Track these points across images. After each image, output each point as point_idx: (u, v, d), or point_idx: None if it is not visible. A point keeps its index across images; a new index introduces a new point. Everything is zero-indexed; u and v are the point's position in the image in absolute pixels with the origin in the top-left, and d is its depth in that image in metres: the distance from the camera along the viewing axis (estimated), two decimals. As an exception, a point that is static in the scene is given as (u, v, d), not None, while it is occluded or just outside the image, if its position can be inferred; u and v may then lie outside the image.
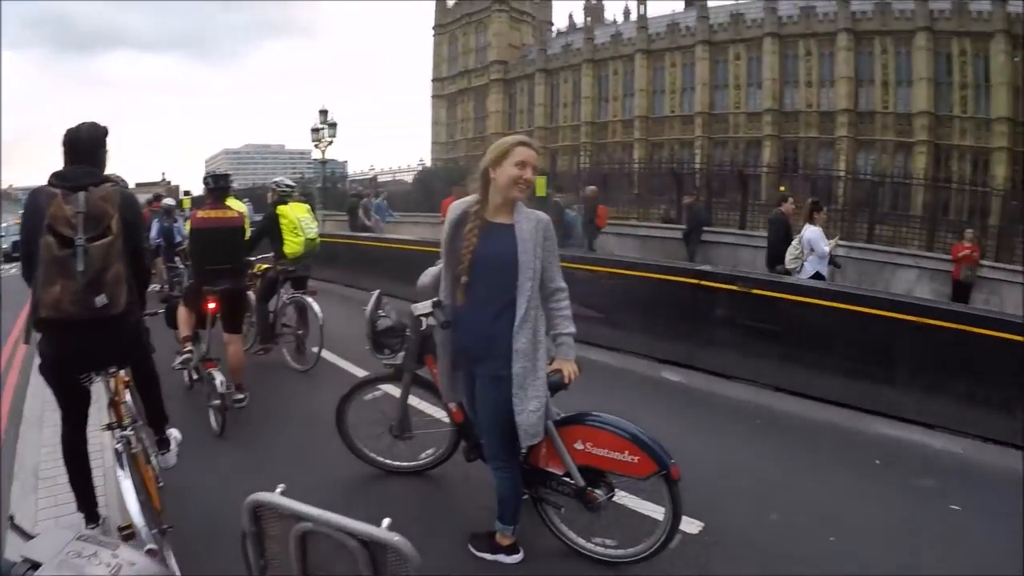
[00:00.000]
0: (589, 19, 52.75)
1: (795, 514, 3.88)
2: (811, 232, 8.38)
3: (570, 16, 56.79)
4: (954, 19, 36.44)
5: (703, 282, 6.93)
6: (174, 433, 3.75)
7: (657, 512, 3.22)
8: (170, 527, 3.19)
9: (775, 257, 9.44)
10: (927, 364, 5.63)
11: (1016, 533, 3.57)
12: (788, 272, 8.51)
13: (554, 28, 57.65)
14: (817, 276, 8.29)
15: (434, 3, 59.61)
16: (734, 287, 6.68)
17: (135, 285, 3.15)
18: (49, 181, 2.99)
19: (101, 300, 2.89)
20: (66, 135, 3.14)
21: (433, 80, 60.47)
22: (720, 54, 44.22)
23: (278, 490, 1.42)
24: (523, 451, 3.23)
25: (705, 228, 15.24)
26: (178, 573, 2.88)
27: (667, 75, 46.25)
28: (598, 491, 3.14)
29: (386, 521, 1.30)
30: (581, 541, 3.33)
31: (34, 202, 2.96)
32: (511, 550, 3.28)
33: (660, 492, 3.07)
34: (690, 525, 3.49)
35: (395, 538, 1.26)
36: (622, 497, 3.32)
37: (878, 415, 5.59)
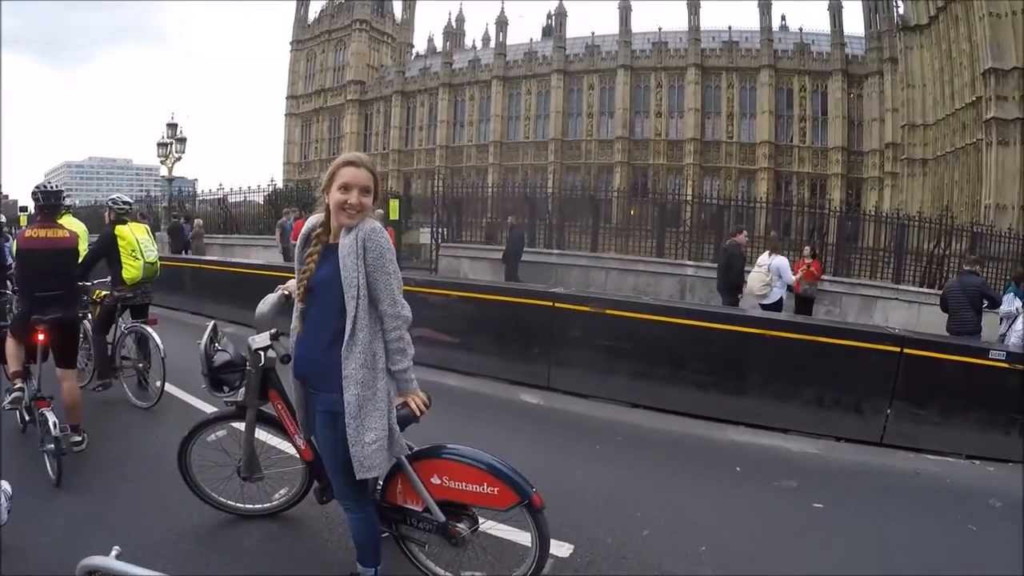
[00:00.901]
0: (448, 43, 53.30)
1: (665, 527, 4.03)
2: (780, 261, 9.90)
3: (430, 39, 57.08)
4: (796, 58, 41.57)
5: (557, 304, 7.19)
6: (3, 486, 3.40)
7: (525, 539, 3.16)
8: None
9: (732, 284, 10.58)
10: (777, 373, 6.19)
11: (877, 525, 3.97)
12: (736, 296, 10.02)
13: (414, 50, 57.79)
14: (778, 301, 9.67)
15: (293, 18, 58.26)
16: (587, 308, 7.01)
17: None
18: None
19: None
20: None
21: (288, 97, 58.83)
22: (574, 83, 46.42)
23: (113, 553, 1.36)
24: (378, 487, 3.14)
25: (527, 249, 15.81)
26: None
27: (523, 102, 47.83)
28: (460, 525, 3.02)
29: None
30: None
31: None
32: None
33: (526, 520, 3.03)
34: (560, 548, 3.53)
35: None
36: (490, 528, 3.21)
37: (733, 423, 6.04)
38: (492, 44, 50.74)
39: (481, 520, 3.13)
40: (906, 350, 5.86)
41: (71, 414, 5.06)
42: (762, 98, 41.83)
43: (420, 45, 58.42)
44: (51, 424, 4.41)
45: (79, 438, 5.05)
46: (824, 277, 14.03)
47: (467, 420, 5.46)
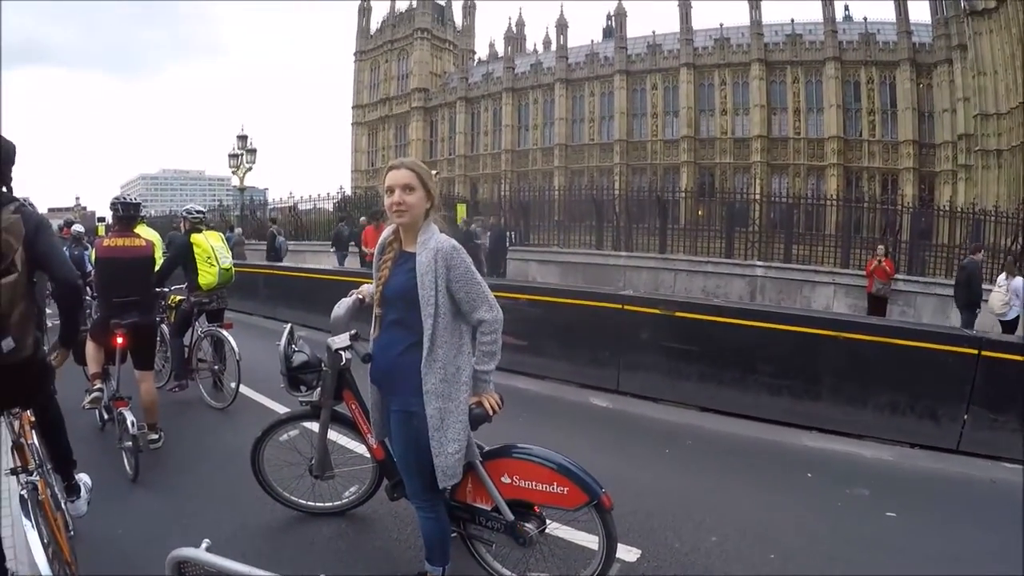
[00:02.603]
0: (510, 48, 53.56)
1: (734, 534, 3.89)
2: (1017, 282, 10.63)
3: (491, 45, 57.67)
4: (861, 49, 39.72)
5: (626, 307, 7.06)
6: (84, 479, 3.56)
7: (592, 542, 3.12)
8: None
9: (972, 301, 11.36)
10: (850, 376, 5.89)
11: (951, 535, 3.74)
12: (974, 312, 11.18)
13: (476, 57, 58.49)
14: (1015, 319, 10.51)
15: (356, 30, 59.45)
16: (656, 310, 6.83)
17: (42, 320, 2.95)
18: None
19: (7, 344, 2.69)
20: None
21: (354, 107, 60.11)
22: (638, 83, 45.88)
23: (203, 545, 1.36)
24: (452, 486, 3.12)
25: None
26: None
27: (586, 104, 47.56)
28: (528, 525, 3.00)
29: None
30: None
31: None
32: None
33: (593, 522, 2.98)
34: (627, 553, 3.46)
35: None
36: (556, 529, 3.20)
37: (805, 428, 5.81)
38: (553, 47, 50.80)
39: (549, 521, 3.10)
40: (984, 352, 5.47)
41: (148, 413, 5.29)
42: (828, 92, 40.37)
43: (482, 51, 59.29)
44: (129, 423, 4.60)
45: (155, 436, 5.27)
46: (898, 276, 13.54)
47: (536, 423, 5.40)
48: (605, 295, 7.77)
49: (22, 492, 2.90)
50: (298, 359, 3.68)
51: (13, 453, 3.07)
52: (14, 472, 3.02)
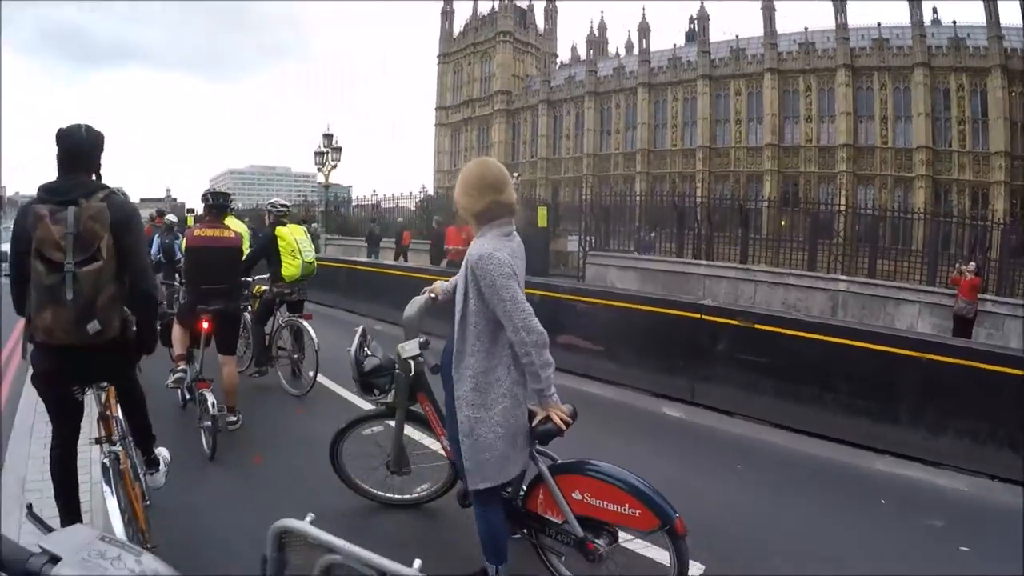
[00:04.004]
0: (592, 52, 53.24)
1: (799, 555, 3.75)
2: None
3: (573, 48, 57.33)
4: (951, 55, 36.89)
5: (704, 316, 6.86)
6: (163, 453, 3.68)
7: (664, 558, 3.00)
8: (154, 547, 3.08)
9: None
10: (930, 399, 5.56)
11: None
12: None
13: (558, 60, 58.27)
14: None
15: (439, 33, 60.25)
16: (735, 321, 6.64)
17: (130, 300, 3.06)
18: (38, 195, 2.90)
19: (93, 327, 2.82)
20: (59, 136, 2.98)
21: (437, 108, 60.85)
22: (721, 88, 44.59)
23: (308, 519, 1.38)
24: (521, 493, 3.14)
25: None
26: None
27: (669, 109, 46.62)
28: (599, 541, 2.93)
29: (417, 562, 1.26)
30: None
31: (22, 222, 2.85)
32: None
33: (664, 542, 2.90)
34: (692, 568, 3.28)
35: None
36: (628, 541, 3.09)
37: (881, 452, 5.51)
38: (635, 51, 49.97)
39: (621, 536, 3.02)
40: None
41: (228, 396, 5.50)
42: (917, 99, 37.58)
43: (563, 54, 58.96)
44: (210, 403, 4.82)
45: (234, 418, 5.48)
46: (986, 297, 12.82)
47: (607, 430, 5.28)
48: (683, 303, 7.57)
49: (104, 460, 3.05)
50: (369, 364, 3.72)
51: (98, 424, 3.22)
52: (98, 441, 3.18)
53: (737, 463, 5.32)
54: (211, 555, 3.48)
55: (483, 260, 2.67)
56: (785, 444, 5.77)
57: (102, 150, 3.10)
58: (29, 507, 1.40)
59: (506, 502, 3.13)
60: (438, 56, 60.37)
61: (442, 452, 3.77)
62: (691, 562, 2.99)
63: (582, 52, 55.04)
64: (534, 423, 2.83)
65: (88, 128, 3.05)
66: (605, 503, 2.88)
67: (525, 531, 3.21)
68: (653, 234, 17.30)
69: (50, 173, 2.96)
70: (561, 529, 3.02)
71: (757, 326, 6.49)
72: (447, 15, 59.64)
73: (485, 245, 2.72)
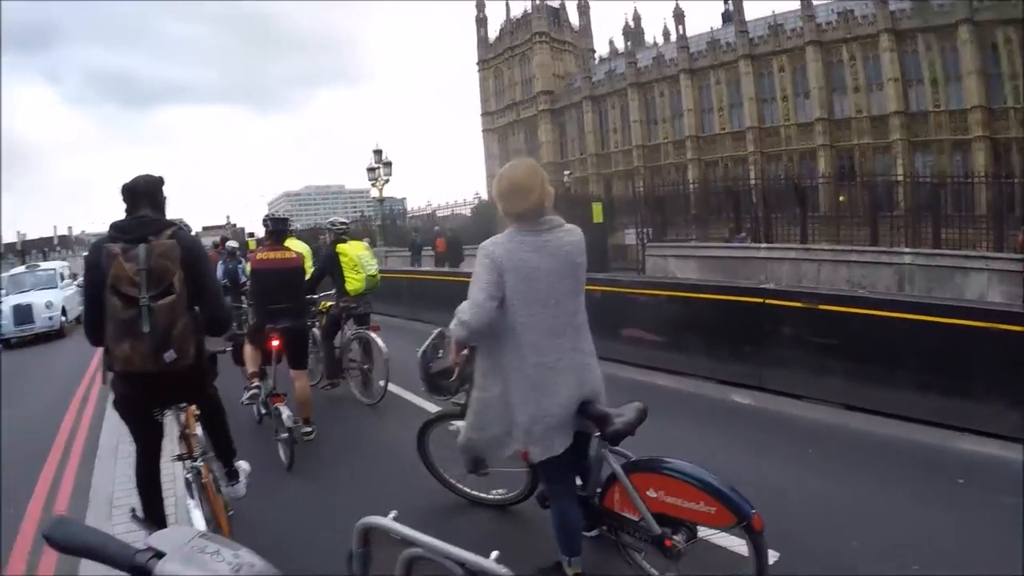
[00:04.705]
0: (630, 43, 52.66)
1: (876, 541, 3.60)
2: None
3: (610, 42, 56.68)
4: (995, 7, 34.26)
5: (767, 300, 6.69)
6: (243, 465, 3.83)
7: (743, 548, 2.93)
8: None
9: None
10: (1006, 373, 5.20)
11: None
12: None
13: (596, 55, 57.78)
14: None
15: (476, 40, 60.50)
16: (799, 303, 6.45)
17: (204, 325, 3.22)
18: (109, 234, 3.06)
19: (170, 356, 2.97)
20: (124, 186, 3.19)
21: (483, 115, 61.04)
22: (763, 67, 43.13)
23: (391, 515, 1.43)
24: (597, 491, 3.14)
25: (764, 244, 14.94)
26: None
27: (713, 93, 45.51)
28: (676, 537, 2.89)
29: (495, 553, 1.30)
30: None
31: (95, 259, 3.02)
32: None
33: (743, 537, 2.84)
34: None
35: (502, 570, 1.26)
36: (708, 534, 3.02)
37: (956, 429, 5.23)
38: (672, 37, 49.02)
39: (700, 530, 2.95)
40: None
41: (302, 409, 5.67)
42: (965, 57, 35.04)
43: (601, 48, 58.40)
44: (285, 417, 5.01)
45: (309, 429, 5.64)
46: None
47: (677, 422, 5.19)
48: (745, 289, 7.42)
49: (187, 475, 3.23)
50: (438, 365, 3.72)
51: (180, 441, 3.40)
52: (180, 458, 3.36)
53: (808, 447, 5.16)
54: (294, 557, 3.58)
55: (478, 249, 2.95)
56: (857, 426, 5.55)
57: (161, 192, 3.29)
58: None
59: (583, 500, 3.14)
60: (477, 63, 60.56)
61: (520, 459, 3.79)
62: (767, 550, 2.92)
63: (619, 44, 54.55)
64: (608, 428, 2.82)
65: (147, 175, 3.26)
66: (680, 500, 2.85)
67: (604, 529, 3.21)
68: (743, 233, 16.83)
69: (104, 213, 3.17)
70: (638, 526, 3.00)
71: (821, 307, 6.29)
72: (481, 22, 59.73)
73: (491, 239, 2.93)
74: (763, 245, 15.53)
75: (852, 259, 14.10)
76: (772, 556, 3.10)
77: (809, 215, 16.60)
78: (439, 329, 3.79)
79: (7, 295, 16.72)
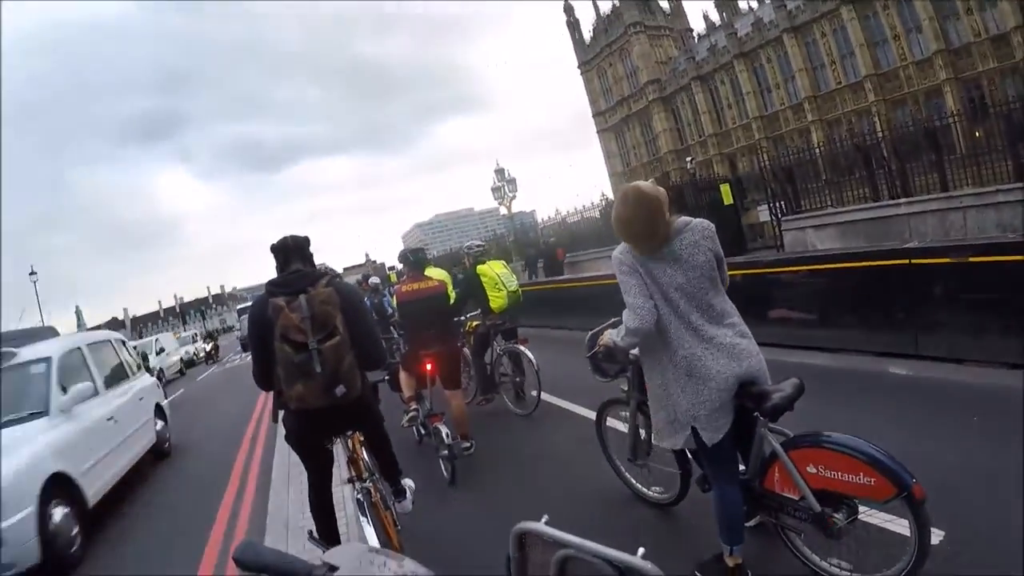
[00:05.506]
0: (724, 14, 50.44)
1: None
2: None
3: (705, 17, 53.87)
4: None
5: (914, 260, 6.14)
6: (408, 483, 3.99)
7: (904, 528, 2.74)
8: None
9: None
10: None
11: None
12: None
13: (694, 33, 55.75)
14: None
15: (572, 44, 60.11)
16: (947, 259, 5.87)
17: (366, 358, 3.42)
18: (268, 290, 3.31)
19: (340, 391, 3.21)
20: (274, 246, 3.46)
21: (595, 115, 60.68)
22: (867, 8, 39.39)
23: (543, 520, 1.48)
24: (757, 475, 3.07)
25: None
26: None
27: (821, 47, 42.41)
28: (837, 515, 2.78)
29: (641, 550, 1.31)
30: (825, 566, 3.01)
31: (260, 313, 3.28)
32: (738, 573, 3.05)
33: (905, 512, 2.67)
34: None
35: (648, 566, 1.28)
36: (868, 515, 2.87)
37: None
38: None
39: (861, 510, 2.82)
40: None
41: (460, 426, 5.82)
42: None
43: (696, 25, 56.10)
44: (444, 435, 5.23)
45: (468, 444, 5.75)
46: None
47: (833, 400, 4.84)
48: (888, 251, 6.81)
49: (357, 496, 3.51)
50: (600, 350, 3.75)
51: (348, 466, 3.72)
52: (350, 481, 3.68)
53: (973, 414, 4.62)
54: (461, 564, 3.73)
55: (612, 262, 3.01)
56: (1024, 386, 4.92)
57: (309, 247, 3.55)
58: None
59: (744, 484, 3.09)
60: (579, 67, 60.33)
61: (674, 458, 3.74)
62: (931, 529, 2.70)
63: (715, 17, 52.19)
64: (766, 404, 2.79)
65: (295, 235, 3.52)
66: (840, 474, 2.75)
67: (764, 514, 3.14)
68: None
69: (250, 270, 3.44)
70: (799, 506, 2.91)
71: (972, 259, 5.67)
72: (573, 25, 59.53)
73: (619, 248, 3.00)
74: (902, 200, 14.41)
75: (999, 200, 12.74)
76: (936, 536, 2.87)
77: (946, 159, 15.23)
78: (615, 319, 3.70)
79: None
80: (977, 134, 17.00)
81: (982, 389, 5.12)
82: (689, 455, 3.51)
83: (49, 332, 8.75)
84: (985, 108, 27.85)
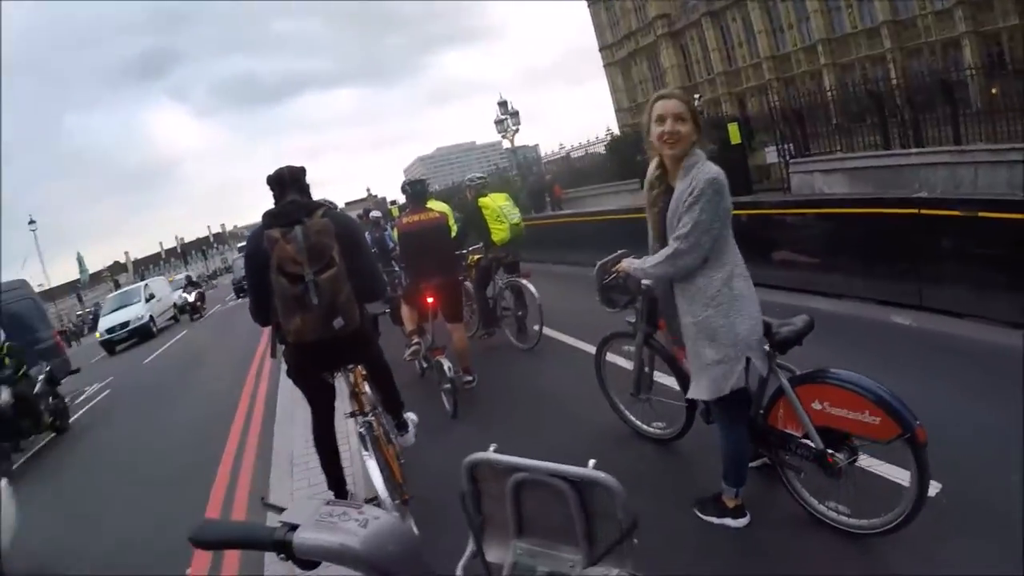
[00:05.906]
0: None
1: None
2: None
3: (721, -50, 51.85)
4: None
5: (922, 211, 5.93)
6: (411, 416, 3.98)
7: (903, 478, 2.73)
8: (411, 497, 3.52)
9: None
10: None
11: None
12: None
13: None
14: None
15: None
16: (957, 212, 5.66)
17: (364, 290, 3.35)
18: (265, 222, 3.19)
19: (338, 323, 3.13)
20: (270, 177, 3.34)
21: (601, 49, 58.82)
22: None
23: (491, 448, 1.50)
24: (760, 412, 3.03)
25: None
26: (416, 533, 2.92)
27: (839, -13, 40.59)
28: (839, 455, 2.77)
29: (592, 462, 1.33)
30: (823, 509, 2.99)
31: (256, 246, 3.18)
32: (737, 513, 3.07)
33: (905, 457, 2.65)
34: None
35: (601, 475, 1.30)
36: (867, 463, 2.88)
37: None
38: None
39: (861, 457, 2.82)
40: None
41: (462, 359, 5.83)
42: None
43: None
44: (446, 368, 5.19)
45: (470, 378, 5.79)
46: None
47: (835, 346, 4.65)
48: (897, 200, 6.55)
49: (360, 430, 3.45)
50: (612, 279, 3.68)
51: (351, 400, 3.66)
52: (352, 415, 3.63)
53: (973, 371, 4.57)
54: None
55: (710, 181, 2.67)
56: None
57: (305, 178, 3.41)
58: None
59: (749, 420, 3.07)
60: (586, -1, 58.11)
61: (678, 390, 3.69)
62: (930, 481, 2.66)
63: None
64: (776, 336, 2.82)
65: (290, 165, 3.39)
66: (844, 411, 2.73)
67: (765, 451, 3.13)
68: None
69: (251, 209, 3.31)
70: (801, 443, 2.90)
71: (981, 214, 5.47)
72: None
73: (710, 167, 2.74)
74: (913, 150, 14.12)
75: (1012, 158, 12.46)
76: (934, 488, 2.83)
77: (960, 113, 14.87)
78: (622, 251, 3.70)
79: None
80: (994, 91, 16.57)
81: (984, 344, 5.02)
82: None
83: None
84: (1004, 65, 27.13)
